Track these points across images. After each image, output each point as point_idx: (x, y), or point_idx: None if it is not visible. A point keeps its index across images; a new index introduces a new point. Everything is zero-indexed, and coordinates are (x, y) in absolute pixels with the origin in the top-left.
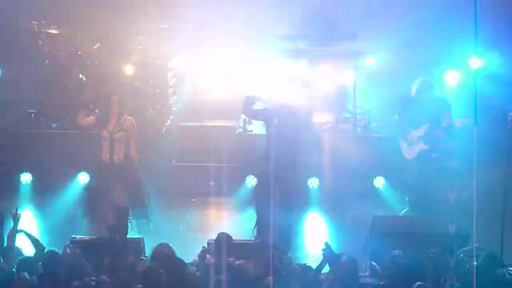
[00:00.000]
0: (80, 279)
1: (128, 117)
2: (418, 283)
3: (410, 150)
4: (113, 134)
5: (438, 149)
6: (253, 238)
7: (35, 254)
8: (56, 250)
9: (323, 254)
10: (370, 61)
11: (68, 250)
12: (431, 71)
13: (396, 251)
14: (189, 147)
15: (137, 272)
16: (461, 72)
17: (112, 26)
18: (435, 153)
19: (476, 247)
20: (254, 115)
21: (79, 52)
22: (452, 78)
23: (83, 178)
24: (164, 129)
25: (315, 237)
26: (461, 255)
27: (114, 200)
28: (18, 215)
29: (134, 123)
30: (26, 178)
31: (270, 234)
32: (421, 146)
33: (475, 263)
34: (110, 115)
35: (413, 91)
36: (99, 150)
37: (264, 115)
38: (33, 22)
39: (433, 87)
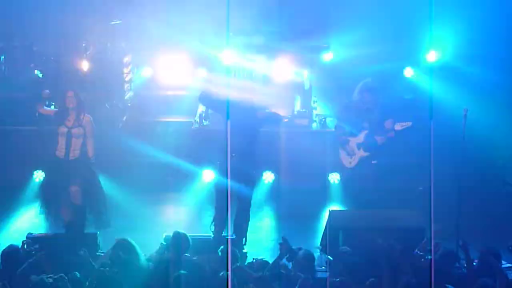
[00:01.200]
0: (38, 275)
1: (87, 115)
2: (371, 279)
3: (350, 159)
4: (71, 130)
5: (379, 155)
6: (211, 233)
7: None
8: (16, 245)
9: (280, 248)
10: (328, 57)
11: (26, 246)
12: (389, 67)
13: (344, 248)
14: (145, 143)
15: (94, 267)
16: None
17: (67, 21)
18: (376, 160)
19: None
20: (210, 104)
21: (35, 48)
22: (409, 73)
23: (38, 175)
24: (121, 124)
25: (271, 232)
26: (416, 250)
27: (70, 197)
28: None
29: (92, 121)
30: None
31: (228, 229)
32: (362, 153)
33: (432, 257)
34: (69, 112)
35: (355, 94)
36: (55, 146)
37: (221, 106)
38: None
39: (377, 90)
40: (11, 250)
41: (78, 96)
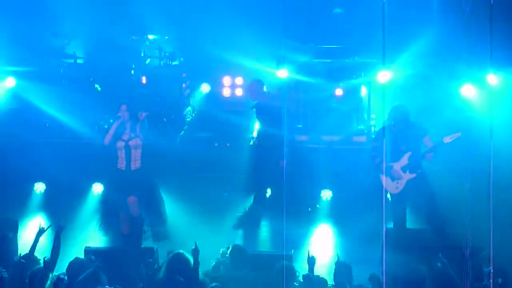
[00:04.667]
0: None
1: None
2: None
3: (397, 184)
4: (128, 142)
5: (425, 173)
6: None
7: (49, 261)
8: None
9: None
10: (385, 75)
11: (93, 258)
12: (447, 85)
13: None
14: (203, 157)
15: (154, 281)
16: (478, 87)
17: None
18: (422, 180)
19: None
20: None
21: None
22: (468, 92)
23: (97, 188)
24: (178, 139)
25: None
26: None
27: (128, 209)
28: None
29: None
30: (39, 187)
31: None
32: (408, 175)
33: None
34: (125, 125)
35: (386, 120)
36: (115, 160)
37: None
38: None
39: (408, 113)
40: (77, 262)
41: (131, 109)
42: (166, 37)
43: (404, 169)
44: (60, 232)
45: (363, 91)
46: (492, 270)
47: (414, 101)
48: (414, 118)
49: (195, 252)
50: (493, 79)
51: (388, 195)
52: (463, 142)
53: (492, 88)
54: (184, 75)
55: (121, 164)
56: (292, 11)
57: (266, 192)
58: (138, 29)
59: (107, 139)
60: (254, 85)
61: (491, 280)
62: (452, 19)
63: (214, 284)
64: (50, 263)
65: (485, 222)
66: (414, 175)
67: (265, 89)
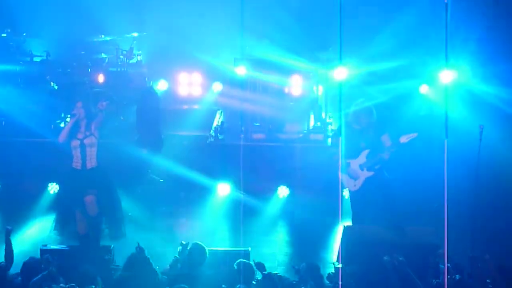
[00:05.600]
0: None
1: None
2: None
3: (355, 181)
4: (83, 140)
5: (387, 171)
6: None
7: (4, 265)
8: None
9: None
10: (342, 72)
11: (50, 259)
12: (404, 84)
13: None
14: (160, 156)
15: (112, 280)
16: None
17: (83, 32)
18: (380, 178)
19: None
20: None
21: (50, 59)
22: (425, 90)
23: (53, 187)
24: (136, 137)
25: (284, 246)
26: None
27: (85, 209)
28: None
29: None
30: None
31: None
32: (366, 173)
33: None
34: (79, 123)
35: (349, 116)
36: (71, 159)
37: None
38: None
39: (370, 110)
40: (32, 262)
41: (86, 106)
42: (124, 36)
43: (361, 167)
44: (9, 235)
45: (320, 89)
46: (449, 266)
47: (372, 99)
48: (373, 114)
49: (140, 250)
50: (447, 76)
51: (346, 193)
52: (423, 141)
53: (446, 85)
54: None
55: (77, 163)
56: (250, 6)
57: None
58: (96, 27)
59: (62, 137)
60: None
61: (447, 277)
62: (409, 16)
63: (181, 285)
64: (6, 267)
65: (441, 220)
66: (372, 173)
67: None
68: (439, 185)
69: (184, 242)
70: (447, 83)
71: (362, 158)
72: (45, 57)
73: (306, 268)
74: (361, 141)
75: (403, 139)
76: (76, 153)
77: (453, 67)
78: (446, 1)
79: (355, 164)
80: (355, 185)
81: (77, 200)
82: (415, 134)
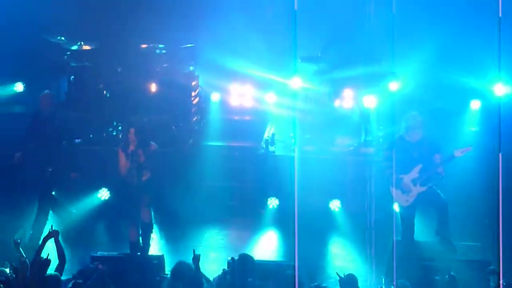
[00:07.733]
0: None
1: (152, 144)
2: None
3: (407, 196)
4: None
5: (436, 186)
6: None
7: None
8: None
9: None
10: (395, 85)
11: (101, 267)
12: (455, 98)
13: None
14: (211, 166)
15: None
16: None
17: (136, 44)
18: (432, 193)
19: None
20: None
21: (104, 69)
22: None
23: (104, 194)
24: (186, 147)
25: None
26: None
27: (139, 217)
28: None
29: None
30: None
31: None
32: (419, 189)
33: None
34: (134, 148)
35: (402, 130)
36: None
37: None
38: (59, 37)
39: (423, 124)
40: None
41: (139, 135)
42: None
43: (414, 181)
44: (56, 237)
45: (372, 101)
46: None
47: (424, 112)
48: (427, 128)
49: (195, 260)
50: (500, 89)
51: (397, 207)
52: (476, 155)
53: (500, 98)
54: (194, 83)
55: (131, 177)
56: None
57: None
58: (150, 37)
59: (122, 170)
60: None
61: None
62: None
63: None
64: (59, 269)
65: (490, 236)
66: (424, 188)
67: None
68: (491, 200)
69: (233, 257)
70: (501, 96)
71: (414, 173)
72: (97, 65)
73: (345, 280)
74: (414, 155)
75: (458, 153)
76: (131, 171)
77: (506, 81)
78: (500, 16)
79: (407, 179)
80: (407, 200)
81: (131, 207)
82: (469, 148)
